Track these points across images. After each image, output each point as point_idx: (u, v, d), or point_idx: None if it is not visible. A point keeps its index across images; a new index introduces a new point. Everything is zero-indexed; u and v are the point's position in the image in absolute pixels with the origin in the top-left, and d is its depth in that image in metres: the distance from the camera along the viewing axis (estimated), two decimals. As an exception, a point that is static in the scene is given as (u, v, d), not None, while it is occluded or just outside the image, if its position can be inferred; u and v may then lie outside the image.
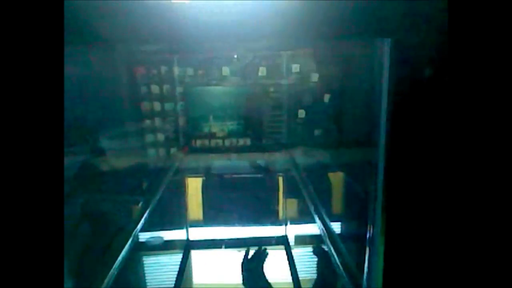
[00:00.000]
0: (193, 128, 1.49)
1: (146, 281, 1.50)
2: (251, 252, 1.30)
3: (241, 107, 1.46)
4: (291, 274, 1.48)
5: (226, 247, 1.64)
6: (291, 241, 1.68)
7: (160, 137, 1.48)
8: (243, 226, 1.67)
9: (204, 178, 1.65)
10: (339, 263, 0.96)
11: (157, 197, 1.32)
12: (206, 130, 1.49)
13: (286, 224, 1.71)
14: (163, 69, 1.41)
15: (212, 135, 1.49)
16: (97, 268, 0.91)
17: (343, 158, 1.27)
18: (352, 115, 1.21)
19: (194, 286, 1.59)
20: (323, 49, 1.33)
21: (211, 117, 1.47)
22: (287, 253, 1.60)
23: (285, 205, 1.69)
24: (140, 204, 1.32)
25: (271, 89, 1.45)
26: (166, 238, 1.56)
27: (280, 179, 1.67)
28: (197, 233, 1.70)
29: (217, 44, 1.26)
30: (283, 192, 1.67)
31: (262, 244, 1.38)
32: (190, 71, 1.43)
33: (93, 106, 1.07)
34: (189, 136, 1.50)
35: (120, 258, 1.00)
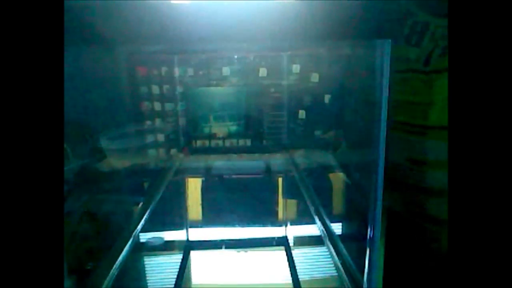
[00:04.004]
0: (193, 129, 1.49)
1: (146, 281, 1.50)
2: None
3: (241, 108, 1.46)
4: (291, 275, 1.47)
5: (226, 248, 1.64)
6: (291, 242, 1.68)
7: (160, 137, 1.48)
8: (243, 226, 1.66)
9: (204, 178, 1.65)
10: (339, 264, 0.96)
11: (158, 197, 1.31)
12: (206, 130, 1.49)
13: (286, 225, 1.70)
14: (164, 69, 1.41)
15: (212, 136, 1.49)
16: (97, 268, 0.91)
17: (343, 158, 1.27)
18: (352, 116, 1.21)
19: (193, 286, 1.59)
20: (323, 49, 1.33)
21: (211, 118, 1.47)
22: (287, 254, 1.59)
23: (285, 205, 1.69)
24: (140, 205, 1.31)
25: (272, 90, 1.45)
26: (166, 239, 1.55)
27: (280, 180, 1.66)
28: (197, 234, 1.69)
29: (218, 44, 1.26)
30: (283, 193, 1.67)
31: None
32: (190, 71, 1.43)
33: (92, 106, 1.07)
34: (189, 136, 1.50)
35: (120, 258, 0.99)
